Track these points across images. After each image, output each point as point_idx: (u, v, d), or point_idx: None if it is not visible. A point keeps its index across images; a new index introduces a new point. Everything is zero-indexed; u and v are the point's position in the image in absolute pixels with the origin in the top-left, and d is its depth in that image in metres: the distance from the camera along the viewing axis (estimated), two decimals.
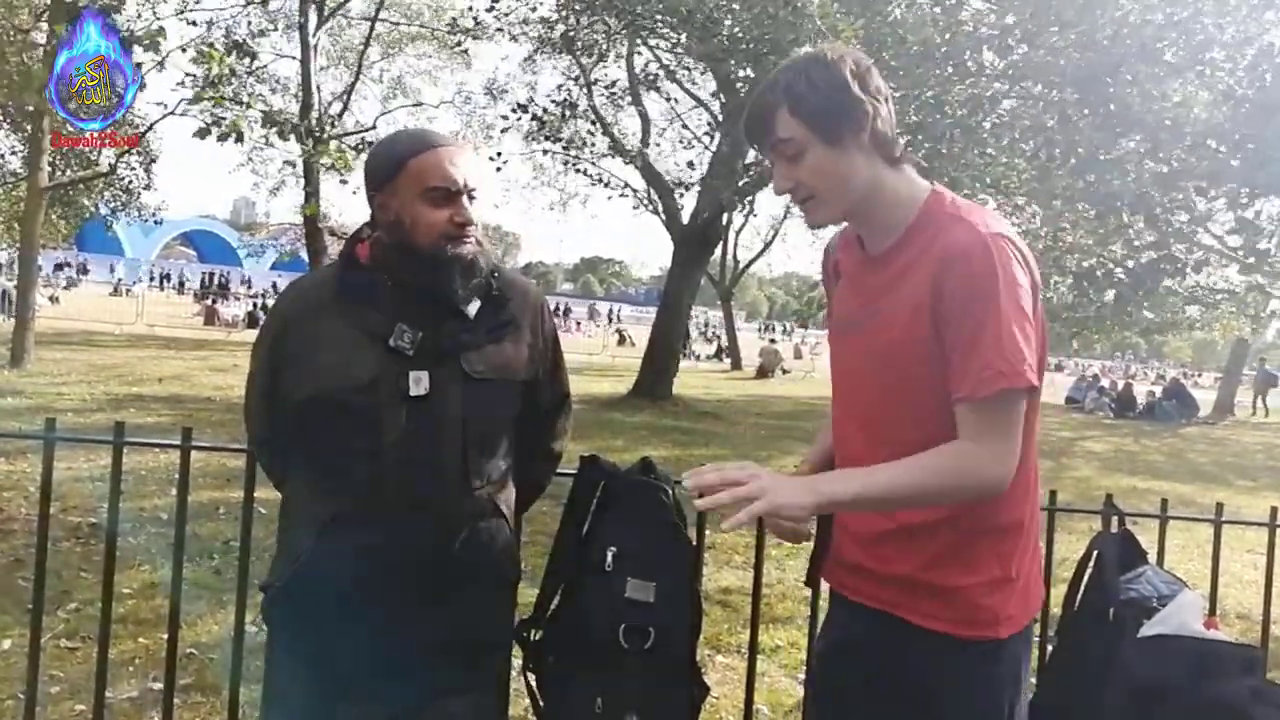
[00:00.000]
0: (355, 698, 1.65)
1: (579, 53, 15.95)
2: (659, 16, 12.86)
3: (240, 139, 11.02)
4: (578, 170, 16.57)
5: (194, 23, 13.66)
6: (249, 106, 12.03)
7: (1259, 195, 6.42)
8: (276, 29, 18.64)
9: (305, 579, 1.63)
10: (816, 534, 1.72)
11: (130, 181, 18.13)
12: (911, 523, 1.51)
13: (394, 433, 1.61)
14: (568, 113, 15.56)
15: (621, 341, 32.37)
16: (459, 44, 16.99)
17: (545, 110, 15.26)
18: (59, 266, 42.92)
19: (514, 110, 15.09)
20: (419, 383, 1.62)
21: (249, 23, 16.43)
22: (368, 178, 1.70)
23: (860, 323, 1.58)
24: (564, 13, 14.51)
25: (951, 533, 1.50)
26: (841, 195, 1.53)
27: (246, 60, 10.08)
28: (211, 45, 9.80)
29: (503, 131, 16.70)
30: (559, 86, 16.36)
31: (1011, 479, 1.43)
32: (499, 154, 16.05)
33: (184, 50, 11.49)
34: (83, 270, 45.66)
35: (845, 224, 1.66)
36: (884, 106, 1.52)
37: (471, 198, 1.66)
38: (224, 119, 11.20)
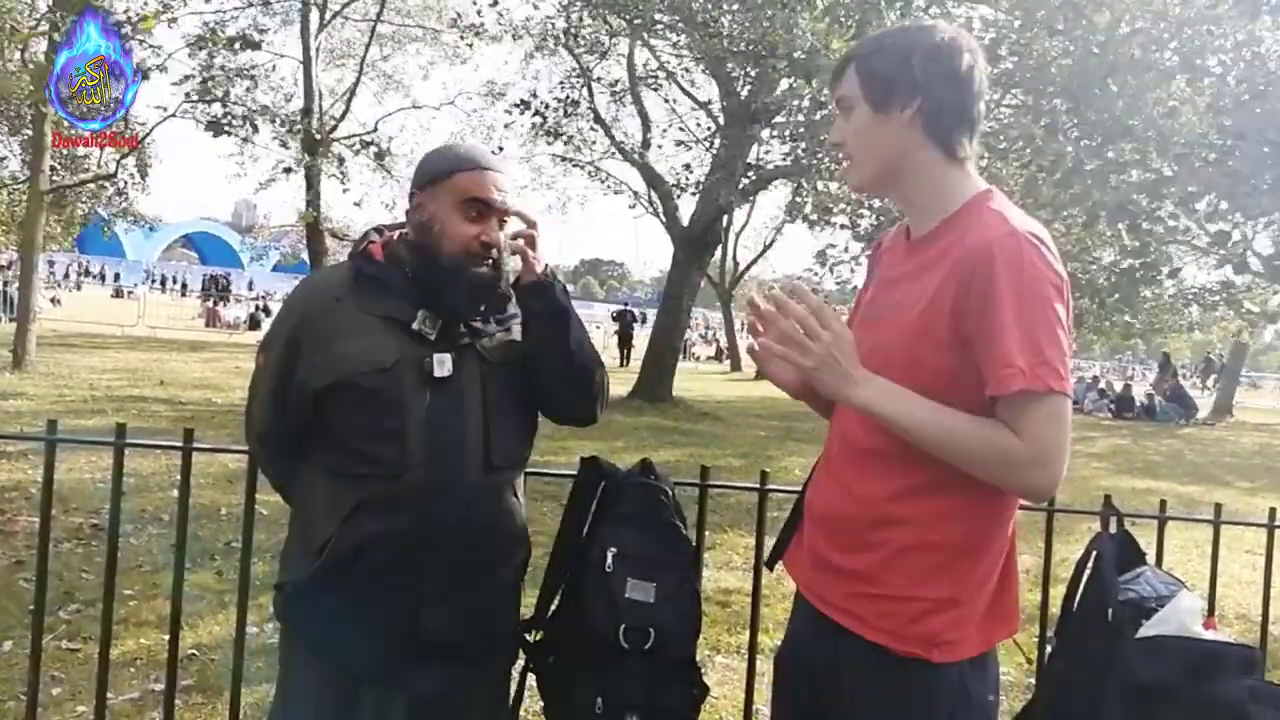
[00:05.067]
0: (377, 685, 1.67)
1: (580, 50, 15.98)
2: (659, 16, 12.88)
3: (256, 128, 10.96)
4: (585, 167, 16.55)
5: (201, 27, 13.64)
6: (259, 112, 12.06)
7: (1248, 212, 6.46)
8: (270, 31, 18.70)
9: (329, 568, 1.64)
10: (789, 517, 1.73)
11: (125, 185, 18.10)
12: (878, 515, 1.49)
13: (419, 413, 1.65)
14: (570, 110, 15.58)
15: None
16: (463, 40, 17.00)
17: (547, 106, 15.27)
18: (76, 270, 43.03)
19: (516, 106, 15.11)
20: (442, 364, 1.67)
21: (251, 21, 16.43)
22: (416, 175, 1.76)
23: (879, 311, 1.57)
24: (566, 10, 14.54)
25: (911, 537, 1.47)
26: (872, 162, 1.53)
27: (249, 51, 10.13)
28: (214, 31, 9.81)
29: (506, 126, 16.76)
30: (560, 84, 16.37)
31: (1054, 490, 1.39)
32: (500, 148, 16.07)
33: (190, 53, 11.51)
34: (86, 273, 45.67)
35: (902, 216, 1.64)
36: (951, 95, 1.48)
37: (503, 223, 1.72)
38: (230, 114, 11.20)
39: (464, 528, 1.67)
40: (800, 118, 11.45)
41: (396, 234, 1.80)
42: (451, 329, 1.70)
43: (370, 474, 1.64)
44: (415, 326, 1.67)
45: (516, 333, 1.79)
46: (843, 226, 11.26)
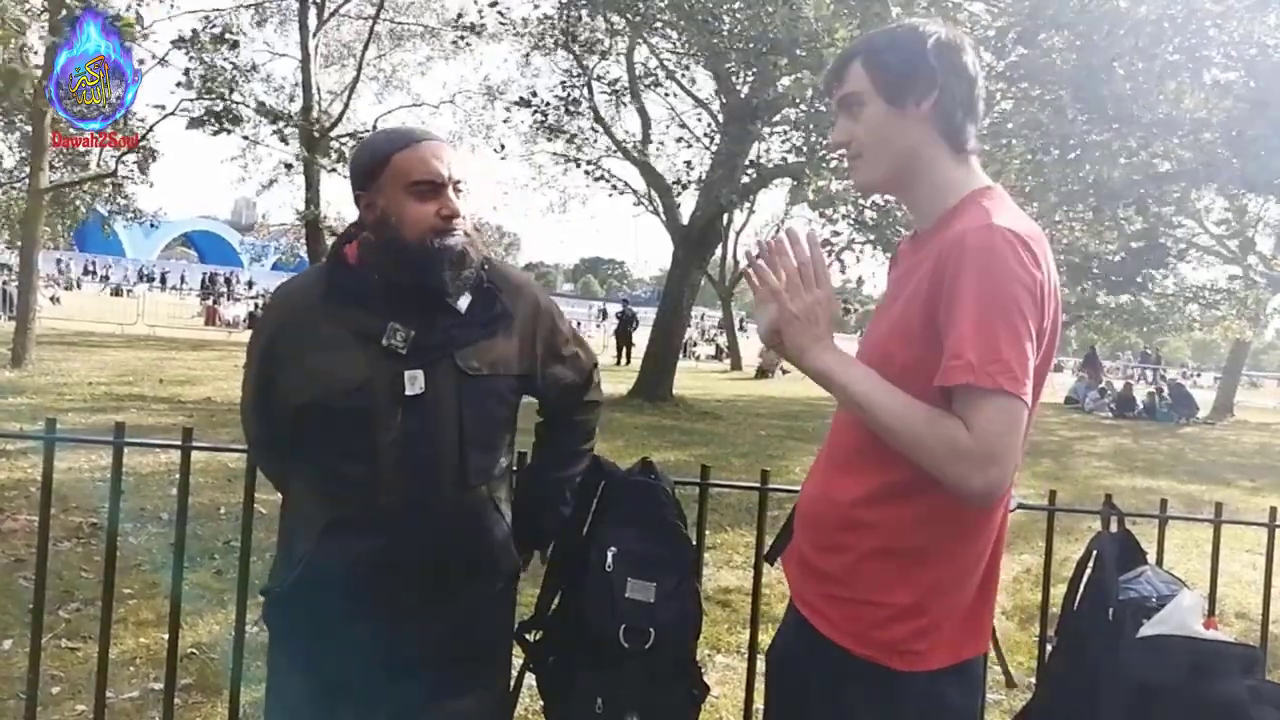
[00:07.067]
0: (356, 699, 1.65)
1: (580, 49, 15.96)
2: (659, 15, 12.87)
3: (238, 122, 10.96)
4: (582, 166, 16.53)
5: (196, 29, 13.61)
6: (241, 103, 12.06)
7: (1251, 191, 6.47)
8: (263, 26, 18.73)
9: (306, 583, 1.63)
10: (790, 514, 1.72)
11: (127, 179, 18.06)
12: (847, 517, 1.48)
13: (391, 433, 1.60)
14: (570, 109, 15.58)
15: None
16: (462, 39, 16.98)
17: (547, 104, 15.27)
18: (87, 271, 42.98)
19: (516, 103, 15.12)
20: (414, 382, 1.61)
21: (248, 17, 16.48)
22: (353, 178, 1.69)
23: (881, 309, 1.57)
24: (565, 8, 14.53)
25: (876, 541, 1.45)
26: (885, 158, 1.50)
27: (229, 49, 10.12)
28: (195, 33, 9.84)
29: (504, 121, 16.75)
30: (561, 83, 16.36)
31: (995, 495, 1.33)
32: (502, 145, 16.08)
33: (179, 45, 11.49)
34: (87, 272, 45.62)
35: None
36: (962, 88, 1.47)
37: (457, 190, 1.64)
38: (220, 109, 11.23)
39: (438, 545, 1.63)
40: (803, 109, 11.44)
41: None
42: (424, 340, 1.63)
43: (343, 494, 1.62)
44: (385, 343, 1.61)
45: (500, 339, 1.71)
46: (844, 217, 11.21)
